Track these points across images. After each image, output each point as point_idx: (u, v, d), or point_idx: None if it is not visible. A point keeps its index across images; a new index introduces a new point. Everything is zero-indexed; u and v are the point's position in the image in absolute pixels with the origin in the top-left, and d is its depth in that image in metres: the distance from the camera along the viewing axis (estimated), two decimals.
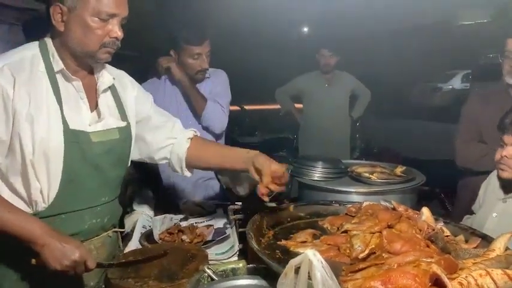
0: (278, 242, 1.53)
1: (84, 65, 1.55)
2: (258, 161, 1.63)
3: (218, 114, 2.62)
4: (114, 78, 1.64)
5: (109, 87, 1.63)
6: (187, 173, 1.83)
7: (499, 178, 1.95)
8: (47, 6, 1.45)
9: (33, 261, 1.37)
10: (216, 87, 2.70)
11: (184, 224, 2.03)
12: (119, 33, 1.47)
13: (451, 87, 16.23)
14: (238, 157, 1.72)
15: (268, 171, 1.59)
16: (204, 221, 2.11)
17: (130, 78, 1.78)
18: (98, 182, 1.57)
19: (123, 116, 1.65)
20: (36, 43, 1.52)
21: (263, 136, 7.24)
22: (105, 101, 1.62)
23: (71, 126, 1.47)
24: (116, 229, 1.73)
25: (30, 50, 1.48)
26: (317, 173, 2.29)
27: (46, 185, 1.45)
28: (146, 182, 2.45)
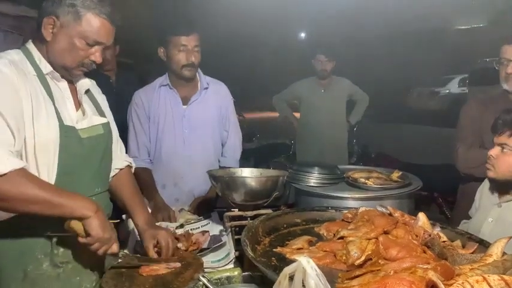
0: (274, 249, 1.51)
1: (62, 73, 1.65)
2: (146, 237, 1.75)
3: (238, 151, 2.76)
4: (90, 81, 1.77)
5: (87, 90, 1.76)
6: None
7: (489, 180, 1.95)
8: (39, 14, 1.55)
9: (71, 223, 1.45)
10: (228, 111, 2.73)
11: (179, 231, 2.02)
12: (98, 58, 1.60)
13: (448, 91, 16.28)
14: (136, 213, 1.83)
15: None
16: (199, 227, 2.10)
17: (99, 89, 1.89)
18: (90, 174, 1.68)
19: (102, 114, 1.79)
20: (17, 50, 1.59)
21: (261, 142, 7.24)
22: (86, 101, 1.75)
23: (65, 123, 1.57)
24: (110, 220, 1.75)
25: (17, 54, 1.56)
26: (313, 179, 2.28)
27: (45, 177, 1.52)
28: (141, 191, 2.43)
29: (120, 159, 1.91)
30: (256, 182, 1.83)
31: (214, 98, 2.68)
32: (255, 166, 3.25)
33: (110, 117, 1.85)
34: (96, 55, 1.59)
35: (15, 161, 1.39)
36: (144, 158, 2.59)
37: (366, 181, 2.25)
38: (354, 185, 2.28)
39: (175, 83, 2.61)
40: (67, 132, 1.57)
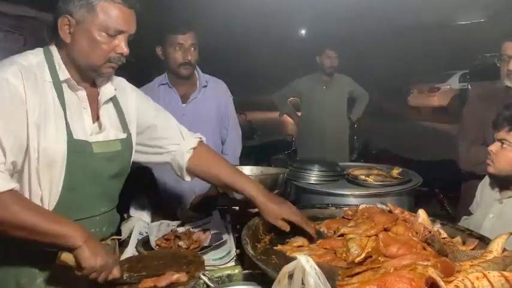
0: (274, 247, 1.52)
1: (87, 77, 1.55)
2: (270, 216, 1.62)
3: (238, 148, 2.76)
4: (115, 89, 1.65)
5: (110, 98, 1.63)
6: (188, 178, 1.83)
7: (490, 176, 1.95)
8: (55, 17, 1.45)
9: (61, 257, 1.37)
10: (227, 108, 2.73)
11: (181, 230, 2.02)
12: (125, 49, 1.48)
13: (448, 87, 16.25)
14: (247, 185, 1.68)
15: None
16: (200, 225, 2.11)
17: (130, 85, 1.78)
18: (98, 192, 1.57)
19: (124, 127, 1.66)
20: (40, 50, 1.51)
21: (262, 139, 7.24)
22: (107, 112, 1.62)
23: (75, 136, 1.47)
24: (114, 237, 1.73)
25: (36, 57, 1.47)
26: (313, 176, 2.28)
27: (47, 193, 1.45)
28: (143, 189, 2.44)
29: (189, 139, 1.81)
30: (256, 180, 1.83)
31: (214, 96, 2.68)
32: (256, 163, 3.26)
33: (150, 116, 1.75)
34: (121, 46, 1.47)
35: (4, 184, 1.31)
36: None
37: (366, 178, 2.25)
38: (354, 182, 2.29)
39: (174, 82, 2.61)
40: (76, 147, 1.47)
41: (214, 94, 2.69)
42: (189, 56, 2.50)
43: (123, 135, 1.64)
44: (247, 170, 2.08)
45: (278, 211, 1.59)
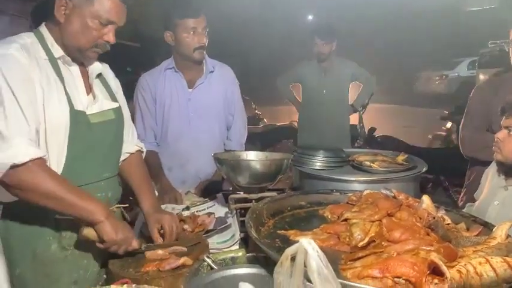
0: (278, 231, 1.53)
1: (74, 57, 1.65)
2: (151, 221, 1.75)
3: (243, 134, 2.77)
4: (102, 65, 1.77)
5: (98, 74, 1.75)
6: None
7: (497, 163, 1.94)
8: None
9: (83, 232, 1.47)
10: (234, 94, 2.72)
11: (186, 213, 2.04)
12: (112, 38, 1.60)
13: (457, 74, 16.08)
14: (143, 204, 1.81)
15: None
16: (205, 209, 2.12)
17: (112, 72, 1.89)
18: (100, 159, 1.69)
19: (114, 98, 1.79)
20: (30, 33, 1.60)
21: (267, 125, 7.24)
22: (98, 85, 1.75)
23: (75, 107, 1.58)
24: (119, 205, 1.80)
25: (29, 38, 1.57)
26: (318, 162, 2.27)
27: (55, 161, 1.54)
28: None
29: (131, 144, 1.91)
30: (261, 165, 1.83)
31: (220, 82, 2.68)
32: (261, 149, 3.26)
33: (122, 101, 1.85)
34: (109, 35, 1.58)
35: (35, 151, 1.41)
36: (151, 140, 2.60)
37: (371, 164, 2.24)
38: (359, 168, 2.28)
39: (181, 66, 2.60)
40: (77, 117, 1.58)
41: (220, 80, 2.68)
42: (203, 40, 2.50)
43: (115, 105, 1.77)
44: (252, 154, 2.08)
45: (159, 217, 1.73)
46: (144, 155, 1.99)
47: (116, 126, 1.76)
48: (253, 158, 2.04)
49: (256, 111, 7.84)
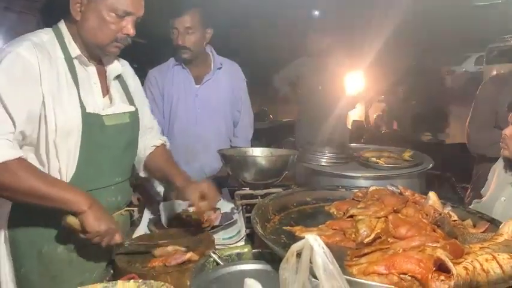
0: (284, 227, 1.53)
1: (94, 54, 1.62)
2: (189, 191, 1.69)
3: (249, 131, 2.77)
4: (122, 66, 1.72)
5: (117, 75, 1.71)
6: (142, 174, 1.90)
7: (504, 159, 1.93)
8: None
9: (67, 219, 1.43)
10: (241, 91, 2.72)
11: (191, 209, 2.04)
12: (131, 31, 1.54)
13: (464, 69, 15.94)
14: (175, 180, 1.76)
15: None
16: None
17: (133, 70, 1.85)
18: (112, 164, 1.65)
19: (131, 101, 1.74)
20: (49, 29, 1.57)
21: (273, 121, 7.23)
22: (116, 87, 1.70)
23: (88, 110, 1.54)
24: (128, 208, 1.79)
25: (46, 35, 1.54)
26: (324, 158, 2.28)
27: (65, 165, 1.52)
28: None
29: (155, 137, 1.90)
30: (266, 161, 1.84)
31: (227, 78, 2.68)
32: (267, 146, 3.26)
33: (141, 102, 1.82)
34: (128, 27, 1.54)
35: (11, 152, 1.38)
36: None
37: (377, 160, 2.24)
38: (365, 164, 2.28)
39: (188, 63, 2.61)
40: (90, 120, 1.54)
41: (228, 76, 2.68)
42: (179, 41, 2.45)
43: (132, 108, 1.72)
44: (257, 151, 2.09)
45: (196, 185, 1.68)
46: (168, 147, 1.97)
47: (130, 130, 1.71)
48: (259, 154, 2.05)
49: (263, 107, 7.84)
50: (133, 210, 1.78)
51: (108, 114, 1.60)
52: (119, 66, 1.70)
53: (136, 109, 1.74)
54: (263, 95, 4.81)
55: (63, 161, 1.51)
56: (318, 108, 4.24)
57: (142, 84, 2.62)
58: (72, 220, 1.44)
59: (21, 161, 1.41)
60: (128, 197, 1.81)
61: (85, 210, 1.42)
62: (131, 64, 1.87)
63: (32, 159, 1.51)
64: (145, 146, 1.87)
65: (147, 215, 1.99)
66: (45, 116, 1.45)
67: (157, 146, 1.89)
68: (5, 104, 1.37)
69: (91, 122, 1.54)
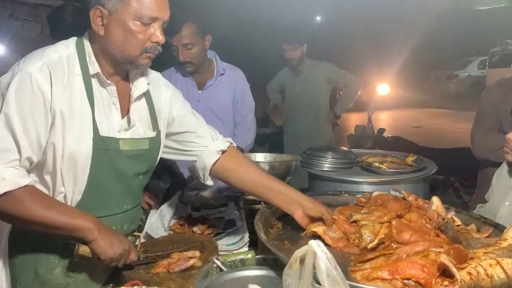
0: (287, 233, 1.53)
1: (121, 70, 1.52)
2: (310, 208, 1.54)
3: (252, 134, 2.74)
4: (148, 84, 1.60)
5: (143, 93, 1.59)
6: (209, 182, 1.73)
7: (508, 163, 1.92)
8: (87, 8, 1.41)
9: (79, 251, 1.39)
10: (243, 96, 2.71)
11: (195, 215, 2.05)
12: (160, 37, 1.43)
13: (467, 74, 15.93)
14: (282, 194, 1.59)
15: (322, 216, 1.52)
16: (215, 213, 2.13)
17: (166, 81, 1.72)
18: (122, 190, 1.56)
19: (155, 124, 1.61)
20: (74, 40, 1.48)
21: (276, 127, 7.22)
22: (138, 108, 1.58)
23: (101, 133, 1.45)
24: (135, 233, 1.70)
25: (67, 48, 1.44)
26: (327, 163, 2.28)
27: (70, 191, 1.45)
28: (158, 174, 2.47)
29: (218, 142, 1.69)
30: (269, 167, 1.84)
31: (230, 84, 2.70)
32: (270, 151, 3.26)
33: (181, 111, 1.68)
34: (156, 34, 1.41)
35: (16, 180, 1.30)
36: None
37: (380, 165, 2.24)
38: (368, 169, 2.27)
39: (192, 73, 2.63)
40: (102, 143, 1.44)
41: (230, 82, 2.70)
42: (181, 57, 2.49)
43: (153, 134, 1.59)
44: (260, 156, 2.09)
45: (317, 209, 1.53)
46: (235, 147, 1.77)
47: (148, 158, 1.59)
48: (262, 159, 2.05)
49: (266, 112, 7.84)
50: (139, 236, 1.66)
51: (124, 138, 1.50)
52: (144, 84, 1.57)
53: (159, 132, 1.61)
54: (267, 100, 4.82)
55: (69, 187, 1.44)
56: (298, 116, 4.27)
57: None
58: (84, 250, 1.40)
59: (27, 188, 1.33)
60: (136, 223, 1.72)
61: (95, 237, 1.36)
62: None
63: (36, 181, 1.42)
64: (208, 153, 1.67)
65: (150, 221, 1.99)
66: (53, 143, 1.38)
67: (225, 151, 1.68)
68: (13, 130, 1.30)
69: (104, 146, 1.44)
